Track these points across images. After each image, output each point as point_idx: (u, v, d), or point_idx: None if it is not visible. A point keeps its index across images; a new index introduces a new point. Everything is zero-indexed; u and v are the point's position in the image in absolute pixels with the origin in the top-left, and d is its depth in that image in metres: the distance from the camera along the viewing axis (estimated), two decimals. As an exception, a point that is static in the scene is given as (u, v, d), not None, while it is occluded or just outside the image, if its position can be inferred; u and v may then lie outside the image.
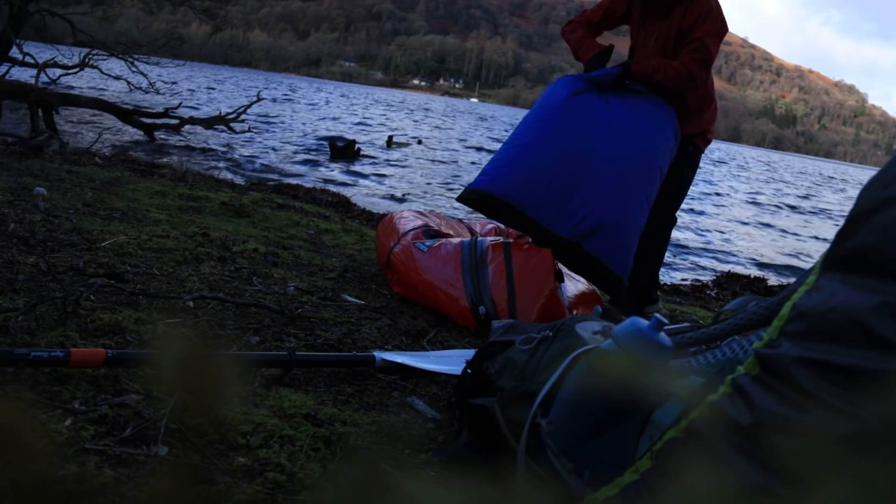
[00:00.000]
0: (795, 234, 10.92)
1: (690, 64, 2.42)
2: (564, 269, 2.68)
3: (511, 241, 2.41)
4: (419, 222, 2.71)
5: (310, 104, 31.15)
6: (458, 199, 2.47)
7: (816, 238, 10.81)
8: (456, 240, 2.47)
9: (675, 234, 8.18)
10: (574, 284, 2.58)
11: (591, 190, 2.30)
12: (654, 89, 2.49)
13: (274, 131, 14.95)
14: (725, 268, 6.23)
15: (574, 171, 2.31)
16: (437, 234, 2.62)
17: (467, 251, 2.35)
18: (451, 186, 10.20)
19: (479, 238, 2.43)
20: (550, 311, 2.22)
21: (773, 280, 5.17)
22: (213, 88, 29.87)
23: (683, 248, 7.58)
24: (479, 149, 18.71)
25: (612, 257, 2.30)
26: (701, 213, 11.36)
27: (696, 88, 2.51)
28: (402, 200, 8.27)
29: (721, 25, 2.46)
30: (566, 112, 2.39)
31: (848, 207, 0.77)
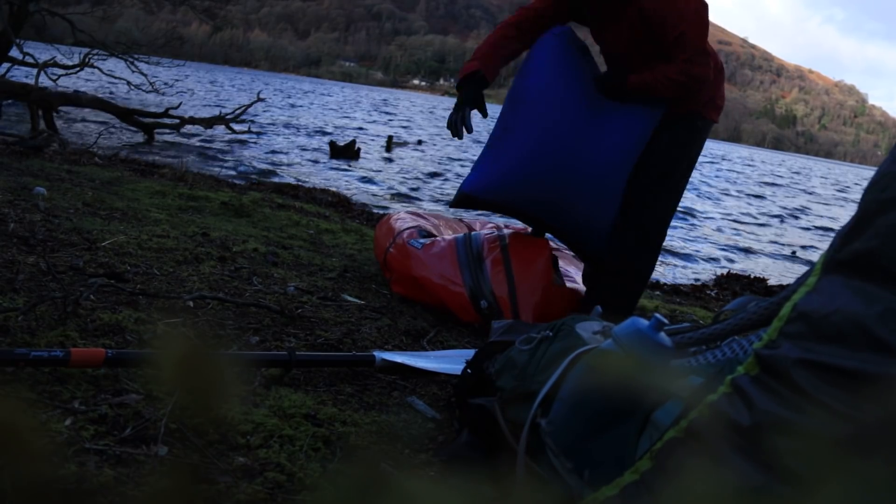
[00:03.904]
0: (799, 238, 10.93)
1: (688, 69, 2.05)
2: (562, 253, 2.70)
3: (507, 233, 2.41)
4: (414, 223, 2.72)
5: (309, 104, 31.18)
6: (450, 205, 2.42)
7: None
8: (449, 236, 2.48)
9: (678, 235, 8.21)
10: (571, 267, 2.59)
11: (583, 192, 2.18)
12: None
13: (274, 131, 14.95)
14: (725, 268, 6.23)
15: (567, 167, 2.14)
16: (431, 235, 2.63)
17: (462, 246, 2.35)
18: (451, 186, 10.20)
19: (474, 233, 2.43)
20: (550, 300, 2.22)
21: (773, 280, 5.17)
22: (191, 90, 29.86)
23: (684, 249, 7.58)
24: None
25: (600, 250, 2.25)
26: (703, 214, 11.36)
27: (705, 82, 2.12)
28: (402, 201, 8.27)
29: (690, 4, 2.03)
30: (558, 107, 2.16)
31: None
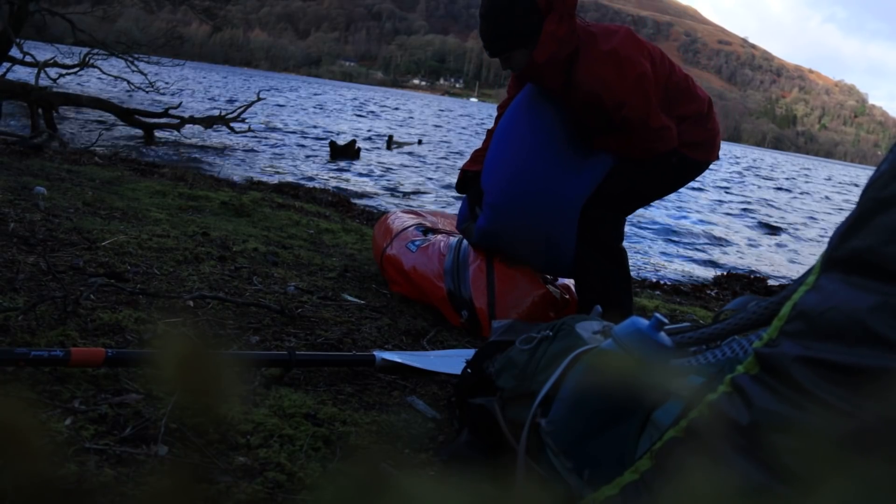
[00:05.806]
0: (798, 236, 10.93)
1: (643, 146, 2.10)
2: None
3: None
4: (412, 221, 2.71)
5: (308, 105, 31.17)
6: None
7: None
8: (445, 239, 2.47)
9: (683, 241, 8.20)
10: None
11: (551, 224, 2.22)
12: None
13: (274, 131, 14.95)
14: (725, 268, 6.23)
15: (533, 201, 2.21)
16: (431, 231, 2.62)
17: (453, 252, 2.34)
18: (452, 185, 10.20)
19: None
20: (542, 313, 2.19)
21: (773, 280, 5.17)
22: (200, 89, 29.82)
23: (685, 248, 7.58)
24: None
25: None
26: (702, 218, 11.36)
27: (669, 147, 2.11)
28: (402, 199, 8.27)
29: (620, 66, 1.99)
30: (524, 144, 2.23)
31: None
